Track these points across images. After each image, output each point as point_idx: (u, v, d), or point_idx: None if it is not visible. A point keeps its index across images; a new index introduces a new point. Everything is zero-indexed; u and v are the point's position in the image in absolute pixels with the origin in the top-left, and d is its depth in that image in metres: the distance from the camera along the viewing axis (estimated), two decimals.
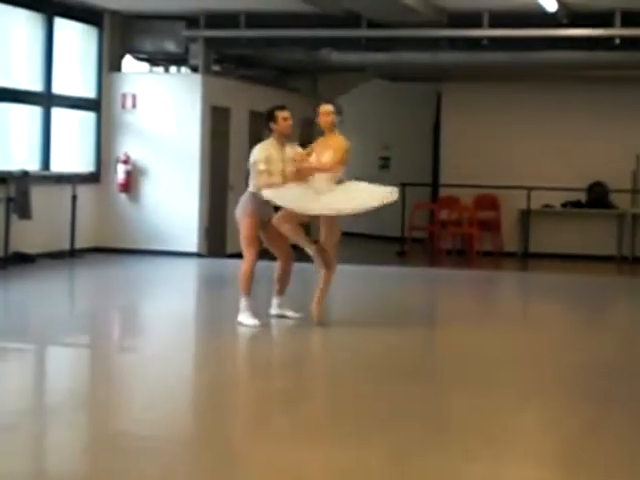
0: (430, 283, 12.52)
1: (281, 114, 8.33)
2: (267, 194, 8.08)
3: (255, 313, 8.24)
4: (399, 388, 6.28)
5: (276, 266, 8.48)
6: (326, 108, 8.31)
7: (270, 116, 8.39)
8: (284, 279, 8.51)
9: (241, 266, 8.34)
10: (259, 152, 8.28)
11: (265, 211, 8.30)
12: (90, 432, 5.36)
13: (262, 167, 8.19)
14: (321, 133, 8.46)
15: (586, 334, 8.84)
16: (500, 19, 12.66)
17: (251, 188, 8.33)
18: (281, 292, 8.54)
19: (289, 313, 8.54)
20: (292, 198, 8.12)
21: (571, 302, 10.98)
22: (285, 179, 8.25)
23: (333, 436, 5.21)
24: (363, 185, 8.25)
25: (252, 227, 8.26)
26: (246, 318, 8.20)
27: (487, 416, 5.71)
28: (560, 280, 12.85)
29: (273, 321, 8.43)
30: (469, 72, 14.99)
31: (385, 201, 8.07)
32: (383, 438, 5.14)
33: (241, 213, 8.35)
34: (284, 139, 8.39)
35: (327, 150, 8.17)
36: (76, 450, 4.97)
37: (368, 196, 8.13)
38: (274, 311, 8.54)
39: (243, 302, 8.26)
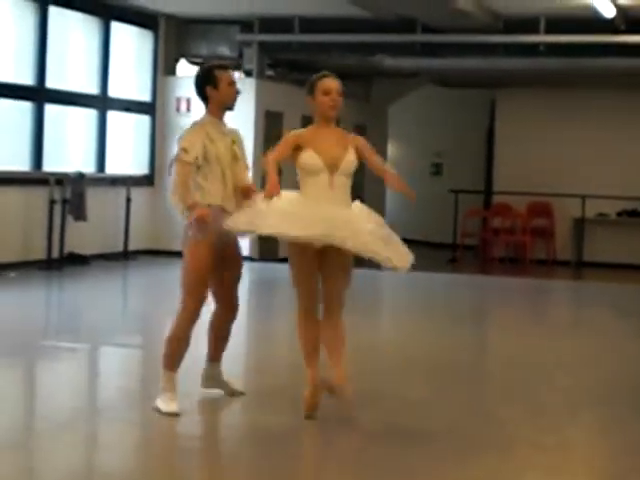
0: (481, 291, 12.42)
1: (225, 76, 5.46)
2: (232, 223, 5.19)
3: (175, 396, 5.45)
4: (456, 391, 6.25)
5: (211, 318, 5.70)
6: (333, 84, 5.27)
7: (207, 78, 5.45)
8: (222, 337, 5.73)
9: (172, 324, 5.45)
10: (188, 135, 5.39)
11: (225, 233, 5.34)
12: (141, 431, 5.40)
13: (186, 157, 5.28)
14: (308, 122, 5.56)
15: (638, 345, 8.69)
16: (557, 25, 12.55)
17: (196, 198, 5.39)
18: (216, 357, 5.78)
19: (234, 387, 5.84)
20: (287, 219, 5.13)
21: (624, 313, 10.82)
22: (230, 183, 5.40)
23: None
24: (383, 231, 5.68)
25: (204, 261, 5.34)
26: (163, 402, 5.43)
27: (538, 427, 5.65)
28: (614, 290, 12.67)
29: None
30: (524, 78, 14.86)
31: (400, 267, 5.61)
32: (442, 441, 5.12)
33: (187, 240, 5.38)
34: (223, 115, 5.53)
35: (343, 149, 5.31)
36: (128, 449, 5.00)
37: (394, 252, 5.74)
38: (204, 385, 5.81)
39: (164, 379, 5.47)
